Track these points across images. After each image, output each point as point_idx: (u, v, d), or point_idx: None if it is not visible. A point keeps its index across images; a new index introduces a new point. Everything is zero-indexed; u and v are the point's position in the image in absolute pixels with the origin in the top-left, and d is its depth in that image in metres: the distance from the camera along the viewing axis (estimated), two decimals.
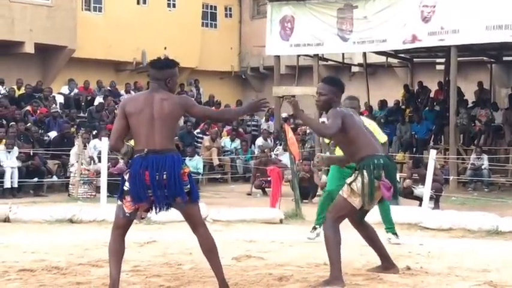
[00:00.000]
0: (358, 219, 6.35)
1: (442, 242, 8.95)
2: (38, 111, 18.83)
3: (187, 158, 17.77)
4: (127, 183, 5.39)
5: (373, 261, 6.79)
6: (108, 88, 23.23)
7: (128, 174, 5.41)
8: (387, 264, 6.49)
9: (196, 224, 5.54)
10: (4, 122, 17.22)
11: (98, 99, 21.77)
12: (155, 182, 5.28)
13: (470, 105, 20.97)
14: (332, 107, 6.10)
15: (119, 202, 5.50)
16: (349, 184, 6.00)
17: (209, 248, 5.51)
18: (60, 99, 21.35)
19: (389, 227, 8.68)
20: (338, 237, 5.97)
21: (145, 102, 5.42)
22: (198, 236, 5.55)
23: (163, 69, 5.55)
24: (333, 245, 5.94)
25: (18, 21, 22.44)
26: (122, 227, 5.50)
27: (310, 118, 6.56)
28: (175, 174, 5.32)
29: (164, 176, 5.29)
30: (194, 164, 17.32)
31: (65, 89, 22.38)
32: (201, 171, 17.33)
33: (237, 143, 20.35)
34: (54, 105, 19.88)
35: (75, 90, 22.36)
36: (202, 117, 5.93)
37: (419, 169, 13.89)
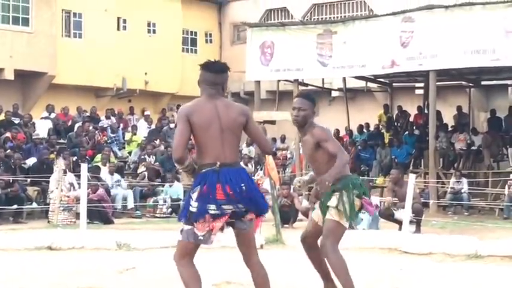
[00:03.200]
0: (314, 241, 6.14)
1: (422, 266, 8.96)
2: (16, 137, 18.70)
3: (167, 185, 17.67)
4: (194, 204, 4.87)
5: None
6: (87, 114, 23.09)
7: (196, 193, 4.90)
8: (332, 286, 6.24)
9: (253, 252, 5.13)
10: None
11: (78, 125, 21.63)
12: (237, 195, 4.87)
13: (449, 129, 21.10)
14: (308, 121, 6.04)
15: (187, 226, 4.94)
16: (336, 207, 5.88)
17: (264, 282, 5.14)
18: (48, 124, 21.19)
19: None
20: (343, 261, 5.83)
21: (212, 113, 5.05)
22: (252, 268, 5.15)
23: (222, 73, 5.21)
24: (342, 270, 5.81)
25: None
26: (190, 253, 4.99)
27: (329, 172, 5.98)
28: (255, 187, 5.05)
29: (243, 188, 4.92)
30: (175, 190, 17.27)
31: (45, 114, 22.20)
32: (181, 197, 17.25)
33: None
34: (36, 132, 19.71)
35: (53, 115, 22.15)
36: (253, 135, 5.22)
37: (400, 189, 13.45)
